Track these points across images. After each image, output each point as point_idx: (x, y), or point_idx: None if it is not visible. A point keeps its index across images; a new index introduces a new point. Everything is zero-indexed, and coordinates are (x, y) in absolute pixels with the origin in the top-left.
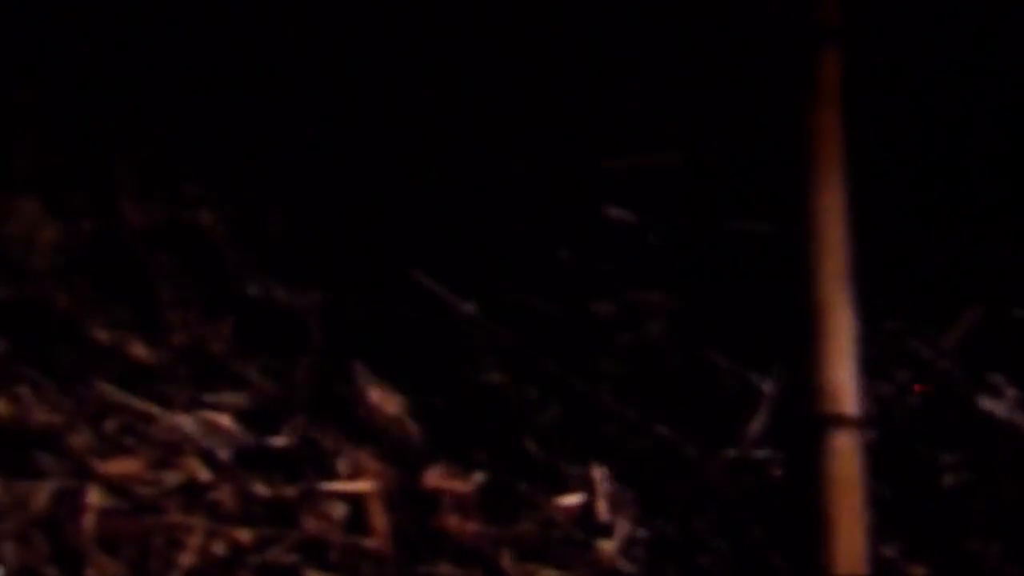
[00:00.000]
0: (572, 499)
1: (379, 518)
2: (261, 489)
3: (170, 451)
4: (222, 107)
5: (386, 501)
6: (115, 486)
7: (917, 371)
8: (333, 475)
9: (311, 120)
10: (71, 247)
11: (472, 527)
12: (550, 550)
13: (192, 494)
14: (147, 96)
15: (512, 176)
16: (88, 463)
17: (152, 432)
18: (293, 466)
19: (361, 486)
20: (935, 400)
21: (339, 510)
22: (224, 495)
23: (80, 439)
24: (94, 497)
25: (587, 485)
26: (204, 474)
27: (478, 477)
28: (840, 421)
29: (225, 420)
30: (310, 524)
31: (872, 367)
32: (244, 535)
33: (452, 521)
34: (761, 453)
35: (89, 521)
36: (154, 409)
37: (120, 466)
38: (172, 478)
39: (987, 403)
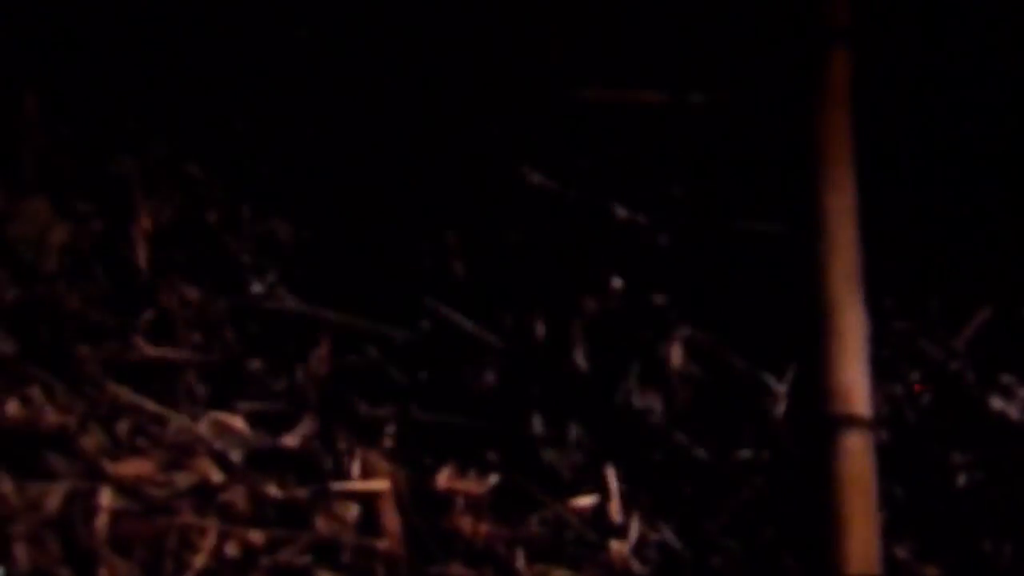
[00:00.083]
0: (585, 500)
1: (391, 519)
2: (273, 490)
3: (182, 453)
4: (233, 108)
5: (398, 502)
6: (127, 488)
7: (928, 371)
8: (345, 476)
9: (322, 121)
10: (81, 248)
11: (484, 528)
12: (563, 551)
13: (204, 495)
14: (157, 97)
15: (523, 180)
16: (100, 465)
17: (164, 434)
18: (305, 467)
19: (373, 487)
20: (946, 400)
21: (351, 511)
22: (236, 496)
23: (92, 441)
24: (106, 499)
25: (600, 486)
26: (216, 475)
27: (491, 478)
28: (851, 421)
29: (237, 421)
30: (322, 525)
31: (883, 367)
32: (256, 536)
33: (464, 522)
34: (772, 454)
35: (101, 523)
36: (166, 411)
37: (132, 468)
38: (184, 480)
39: (998, 403)
